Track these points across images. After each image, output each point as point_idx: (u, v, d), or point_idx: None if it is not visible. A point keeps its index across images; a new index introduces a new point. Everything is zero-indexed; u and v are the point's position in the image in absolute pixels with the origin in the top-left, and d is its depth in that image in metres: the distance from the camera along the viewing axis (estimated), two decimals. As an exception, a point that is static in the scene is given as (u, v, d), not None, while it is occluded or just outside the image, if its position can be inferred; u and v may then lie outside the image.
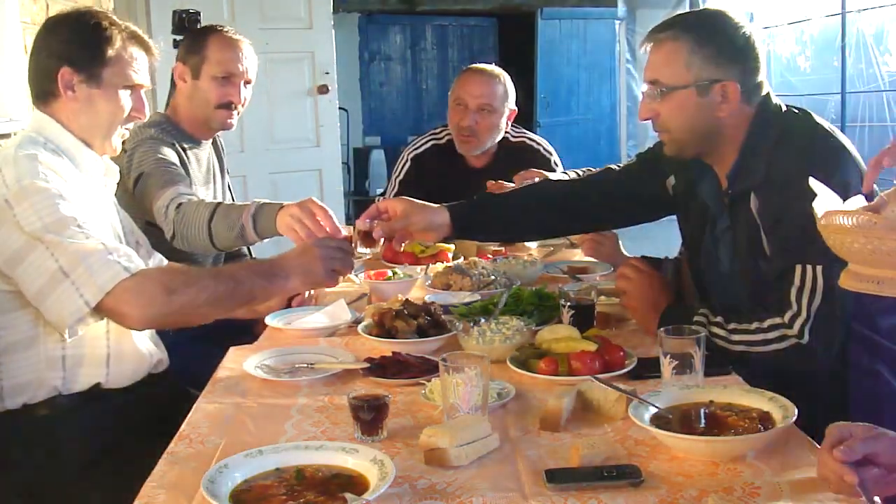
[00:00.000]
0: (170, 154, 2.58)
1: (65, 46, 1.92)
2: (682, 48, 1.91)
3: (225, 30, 2.79)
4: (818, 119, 1.95)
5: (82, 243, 1.72)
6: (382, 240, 2.13)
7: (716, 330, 1.89)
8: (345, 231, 2.15)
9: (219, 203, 2.38)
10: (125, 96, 1.98)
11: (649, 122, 1.96)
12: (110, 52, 1.94)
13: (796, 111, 1.96)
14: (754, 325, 1.85)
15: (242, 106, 2.81)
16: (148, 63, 2.03)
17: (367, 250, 2.16)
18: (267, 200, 2.33)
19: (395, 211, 2.15)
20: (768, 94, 1.96)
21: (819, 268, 1.78)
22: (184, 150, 2.71)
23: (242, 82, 2.77)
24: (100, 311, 1.72)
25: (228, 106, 2.76)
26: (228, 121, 2.79)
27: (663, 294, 2.03)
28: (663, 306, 1.99)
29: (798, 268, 1.81)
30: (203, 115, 2.76)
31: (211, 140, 2.91)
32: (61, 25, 1.97)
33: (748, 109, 1.93)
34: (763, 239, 1.89)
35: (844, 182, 1.73)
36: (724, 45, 1.91)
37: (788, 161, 1.86)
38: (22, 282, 1.75)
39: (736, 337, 1.87)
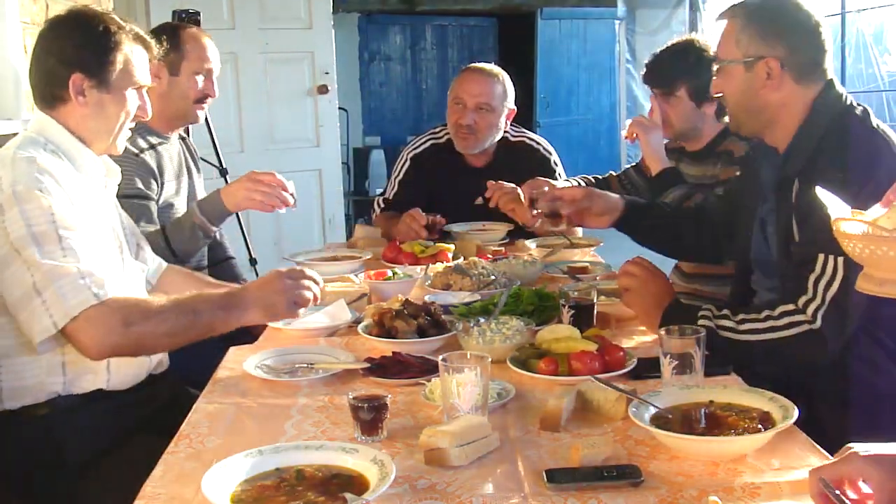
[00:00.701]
0: (141, 180, 2.66)
1: (76, 52, 1.92)
2: (735, 25, 2.00)
3: (193, 27, 2.91)
4: (875, 121, 1.98)
5: (57, 263, 1.72)
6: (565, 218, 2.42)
7: (722, 322, 1.89)
8: (290, 186, 2.61)
9: (162, 226, 2.63)
10: (132, 97, 1.99)
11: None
12: (120, 57, 1.95)
13: (856, 109, 1.98)
14: (764, 314, 1.86)
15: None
16: (148, 61, 2.05)
17: (554, 227, 2.47)
18: (199, 199, 2.71)
19: (573, 195, 2.41)
20: (832, 81, 1.99)
21: (840, 259, 1.80)
22: (153, 146, 2.79)
23: (214, 76, 2.89)
24: (64, 334, 1.73)
25: (204, 100, 2.87)
26: (200, 113, 2.90)
27: (666, 291, 2.03)
28: (666, 304, 2.00)
29: (821, 256, 1.82)
30: (180, 111, 2.84)
31: (179, 137, 3.00)
32: (70, 29, 1.95)
33: (804, 93, 1.97)
34: (794, 225, 1.91)
35: (878, 192, 1.73)
36: (771, 22, 1.97)
37: (831, 156, 1.88)
38: (4, 289, 1.76)
39: (744, 326, 1.87)
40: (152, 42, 2.06)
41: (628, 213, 2.38)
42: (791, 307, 1.84)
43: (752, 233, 2.15)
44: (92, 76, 1.92)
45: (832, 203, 1.35)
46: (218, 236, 2.93)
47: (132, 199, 2.59)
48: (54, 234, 1.74)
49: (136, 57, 1.99)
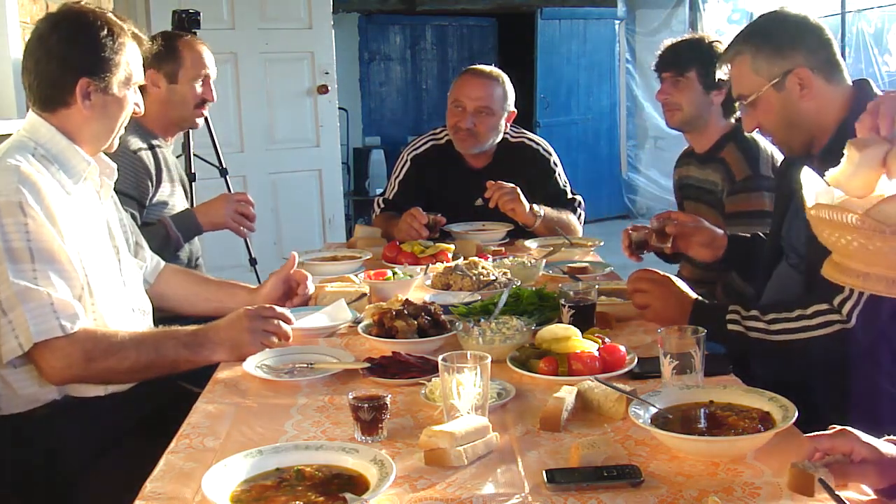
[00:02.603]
0: (133, 179, 2.68)
1: (83, 58, 1.90)
2: (746, 59, 2.01)
3: (188, 35, 3.03)
4: None
5: (28, 285, 1.72)
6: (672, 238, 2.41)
7: (752, 324, 1.90)
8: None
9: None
10: (131, 95, 2.00)
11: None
12: (123, 59, 1.95)
13: None
14: (796, 313, 1.87)
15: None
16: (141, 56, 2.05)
17: (660, 245, 2.46)
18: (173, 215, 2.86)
19: (680, 216, 2.47)
20: (868, 81, 2.02)
21: None
22: (152, 147, 2.82)
23: (211, 81, 2.99)
24: (27, 356, 1.74)
25: (203, 104, 2.97)
26: (199, 119, 3.01)
27: (683, 294, 2.04)
28: (688, 304, 2.00)
29: None
30: (179, 116, 2.95)
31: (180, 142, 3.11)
32: (74, 33, 1.91)
33: (835, 91, 1.98)
34: None
35: None
36: (778, 38, 1.99)
37: None
38: None
39: (776, 326, 1.88)
40: (144, 37, 2.06)
41: (732, 249, 2.37)
42: (825, 306, 1.85)
43: (782, 224, 2.18)
44: (99, 81, 1.91)
45: (815, 184, 1.31)
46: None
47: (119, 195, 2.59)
48: (28, 253, 1.74)
49: (134, 56, 1.99)
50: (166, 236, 2.78)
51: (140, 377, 1.90)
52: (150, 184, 2.77)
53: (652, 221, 2.50)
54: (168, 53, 2.86)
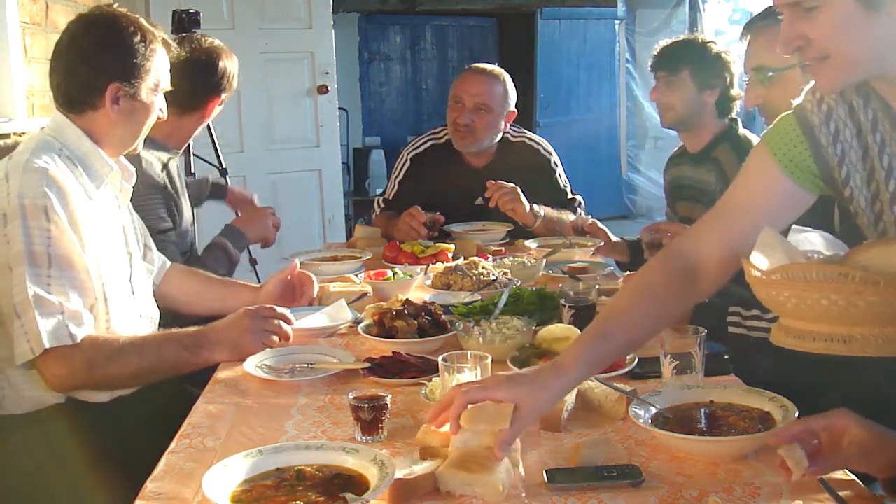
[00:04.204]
0: (167, 212, 2.62)
1: (115, 63, 1.91)
2: None
3: (229, 54, 2.95)
4: None
5: (41, 292, 1.73)
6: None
7: (755, 323, 1.90)
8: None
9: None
10: (158, 100, 2.01)
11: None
12: (154, 65, 1.96)
13: None
14: None
15: None
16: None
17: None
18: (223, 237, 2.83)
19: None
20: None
21: None
22: (166, 166, 2.70)
23: None
24: (33, 363, 1.75)
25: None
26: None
27: None
28: None
29: None
30: (197, 132, 2.86)
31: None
32: (108, 37, 1.92)
33: None
34: (836, 214, 1.90)
35: None
36: None
37: None
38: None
39: None
40: (173, 42, 2.08)
41: None
42: None
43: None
44: (129, 86, 1.92)
45: (776, 246, 1.27)
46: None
47: (161, 235, 2.53)
48: (46, 259, 1.74)
49: (162, 62, 2.01)
50: (230, 261, 2.76)
51: (142, 382, 1.91)
52: (176, 213, 2.69)
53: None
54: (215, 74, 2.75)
